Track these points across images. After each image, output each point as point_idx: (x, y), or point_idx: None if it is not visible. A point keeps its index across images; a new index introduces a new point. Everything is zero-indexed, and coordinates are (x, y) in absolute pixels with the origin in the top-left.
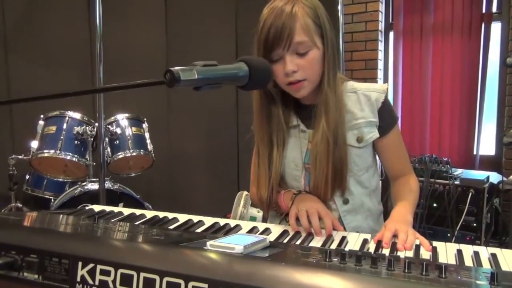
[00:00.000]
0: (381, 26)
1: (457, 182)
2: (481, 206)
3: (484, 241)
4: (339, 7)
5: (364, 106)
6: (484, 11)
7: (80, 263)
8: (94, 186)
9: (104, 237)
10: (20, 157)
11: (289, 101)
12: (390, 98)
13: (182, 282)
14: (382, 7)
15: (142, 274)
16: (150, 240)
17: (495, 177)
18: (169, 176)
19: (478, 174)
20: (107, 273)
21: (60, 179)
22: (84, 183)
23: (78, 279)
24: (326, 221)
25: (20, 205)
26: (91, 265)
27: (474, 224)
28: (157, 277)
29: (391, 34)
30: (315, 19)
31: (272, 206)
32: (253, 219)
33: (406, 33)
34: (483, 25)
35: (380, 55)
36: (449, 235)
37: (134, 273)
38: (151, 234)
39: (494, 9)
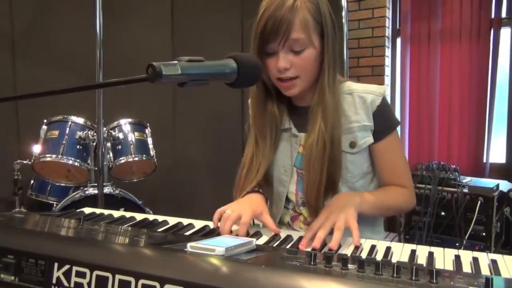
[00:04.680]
0: (388, 32)
1: (465, 190)
2: (490, 214)
3: (494, 250)
4: (343, 13)
5: (359, 109)
6: (493, 16)
7: (56, 264)
8: (95, 190)
9: (82, 238)
10: (25, 162)
11: (283, 101)
12: (398, 104)
13: (157, 284)
14: (389, 13)
15: (118, 276)
16: (129, 241)
17: (505, 185)
18: (174, 181)
19: (488, 182)
20: (83, 275)
21: (63, 184)
22: (86, 188)
23: (54, 281)
24: (239, 229)
25: (24, 210)
26: (67, 267)
27: (484, 234)
28: (132, 279)
29: (399, 40)
30: (316, 16)
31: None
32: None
33: (414, 39)
34: (492, 31)
35: (387, 61)
36: (457, 244)
37: (109, 275)
38: (134, 236)
39: (504, 14)
